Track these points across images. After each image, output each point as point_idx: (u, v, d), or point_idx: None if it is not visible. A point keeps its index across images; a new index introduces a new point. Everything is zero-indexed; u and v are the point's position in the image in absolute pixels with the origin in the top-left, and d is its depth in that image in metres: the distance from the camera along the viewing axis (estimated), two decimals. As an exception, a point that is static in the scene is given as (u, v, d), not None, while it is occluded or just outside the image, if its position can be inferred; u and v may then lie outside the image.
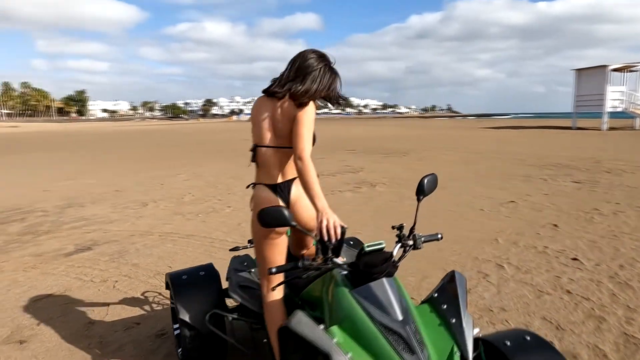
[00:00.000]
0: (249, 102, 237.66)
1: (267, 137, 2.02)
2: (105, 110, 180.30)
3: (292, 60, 2.01)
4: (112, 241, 5.29)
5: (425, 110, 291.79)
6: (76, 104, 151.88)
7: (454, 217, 5.97)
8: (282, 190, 2.08)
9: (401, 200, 7.16)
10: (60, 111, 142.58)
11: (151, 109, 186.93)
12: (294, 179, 2.09)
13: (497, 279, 3.79)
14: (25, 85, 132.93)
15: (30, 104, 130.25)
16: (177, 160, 14.63)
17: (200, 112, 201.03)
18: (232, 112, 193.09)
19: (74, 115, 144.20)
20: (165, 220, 6.26)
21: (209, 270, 2.66)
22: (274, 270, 1.73)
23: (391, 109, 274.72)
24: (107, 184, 9.80)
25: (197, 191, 8.55)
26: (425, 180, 1.93)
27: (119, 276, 4.14)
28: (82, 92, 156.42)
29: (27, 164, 14.57)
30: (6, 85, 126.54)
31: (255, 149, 2.07)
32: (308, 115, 1.94)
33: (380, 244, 1.75)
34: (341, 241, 1.77)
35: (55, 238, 5.51)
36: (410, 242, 1.89)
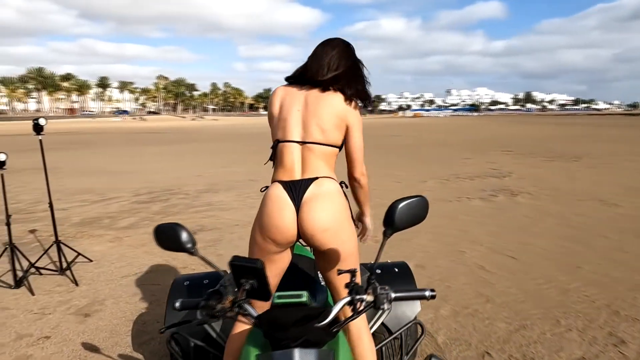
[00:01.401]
0: (417, 98, 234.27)
1: (297, 132, 1.66)
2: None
3: (333, 45, 1.72)
4: (216, 228, 5.59)
5: (633, 106, 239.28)
6: (264, 100, 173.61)
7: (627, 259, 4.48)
8: (297, 187, 1.64)
9: (540, 218, 5.79)
10: (251, 107, 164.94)
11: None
12: (316, 178, 1.64)
13: None
14: (226, 85, 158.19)
15: (229, 100, 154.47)
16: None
17: (369, 108, 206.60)
18: (400, 108, 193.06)
19: (261, 110, 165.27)
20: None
21: (214, 279, 2.42)
22: (177, 305, 1.36)
23: (585, 105, 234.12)
24: (248, 173, 10.65)
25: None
26: (399, 207, 1.27)
27: (199, 265, 4.29)
28: (269, 90, 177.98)
29: (198, 151, 17.06)
30: (213, 85, 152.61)
31: (276, 146, 1.70)
32: (360, 120, 1.72)
33: (299, 296, 1.20)
34: (262, 280, 1.30)
35: (180, 220, 6.11)
36: (368, 298, 1.25)
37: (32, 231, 5.69)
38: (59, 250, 4.09)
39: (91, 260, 4.43)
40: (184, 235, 1.30)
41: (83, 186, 9.06)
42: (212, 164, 12.79)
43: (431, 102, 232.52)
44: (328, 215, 1.55)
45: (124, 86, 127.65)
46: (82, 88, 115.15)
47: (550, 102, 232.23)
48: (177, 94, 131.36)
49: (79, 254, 4.31)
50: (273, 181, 1.69)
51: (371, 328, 1.94)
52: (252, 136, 27.94)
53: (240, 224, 5.75)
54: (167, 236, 1.32)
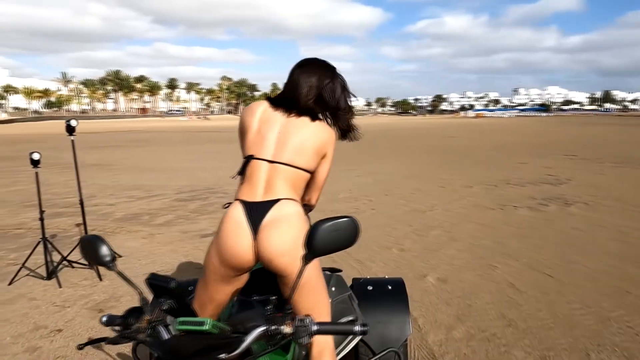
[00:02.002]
0: (481, 97, 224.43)
1: (270, 151, 1.57)
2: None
3: (312, 71, 1.65)
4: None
5: None
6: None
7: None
8: (258, 210, 1.55)
9: (593, 232, 5.21)
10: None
11: (383, 105, 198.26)
12: (278, 200, 1.55)
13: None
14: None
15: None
16: (368, 154, 14.85)
17: (429, 108, 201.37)
18: (462, 108, 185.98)
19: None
20: (302, 215, 6.31)
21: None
22: (103, 319, 1.30)
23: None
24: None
25: (358, 189, 8.38)
26: (321, 229, 1.11)
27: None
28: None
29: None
30: (274, 85, 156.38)
31: (248, 161, 1.61)
32: (334, 150, 1.72)
33: (202, 323, 1.09)
34: (181, 301, 1.21)
35: (210, 219, 6.24)
36: (286, 329, 1.09)
37: (78, 225, 6.04)
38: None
39: (120, 256, 4.61)
40: (103, 249, 1.24)
41: (134, 182, 9.57)
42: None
43: (496, 101, 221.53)
44: (286, 240, 1.46)
45: (190, 87, 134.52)
46: (153, 89, 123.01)
47: (633, 101, 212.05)
48: (239, 94, 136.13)
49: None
50: (236, 198, 1.61)
51: (340, 352, 1.79)
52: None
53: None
54: (89, 249, 1.26)
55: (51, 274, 4.01)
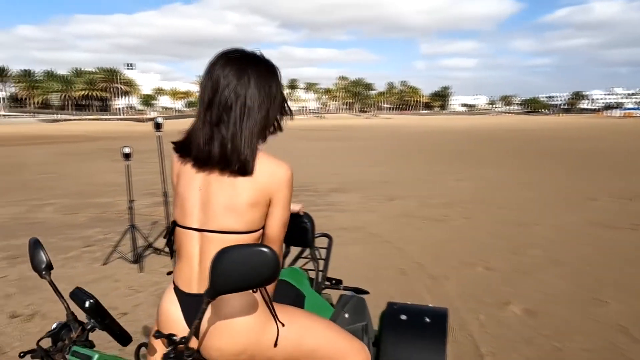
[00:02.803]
0: (633, 94, 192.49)
1: (195, 216, 1.17)
2: (464, 105, 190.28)
3: (236, 72, 1.13)
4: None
5: None
6: (440, 99, 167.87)
7: None
8: (193, 307, 1.16)
9: None
10: (427, 105, 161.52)
11: (509, 103, 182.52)
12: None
13: None
14: (403, 83, 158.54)
15: (404, 99, 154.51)
16: (478, 156, 13.66)
17: (565, 107, 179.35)
18: (607, 107, 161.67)
19: (436, 109, 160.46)
20: (384, 219, 5.96)
21: None
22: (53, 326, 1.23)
23: None
24: (386, 174, 10.31)
25: (455, 194, 7.67)
26: (224, 259, 0.86)
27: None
28: (446, 88, 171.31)
29: (351, 149, 17.36)
30: (390, 84, 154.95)
31: (173, 230, 1.24)
32: (290, 189, 1.20)
33: (89, 358, 0.93)
34: (96, 316, 1.07)
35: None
36: None
37: (177, 214, 6.56)
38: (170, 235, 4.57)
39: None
40: (39, 256, 1.15)
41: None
42: (356, 162, 12.86)
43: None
44: (235, 344, 1.14)
45: (309, 87, 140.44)
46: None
47: None
48: (355, 94, 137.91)
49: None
50: (173, 280, 1.26)
51: None
52: (413, 135, 27.25)
53: (348, 229, 5.52)
54: (29, 251, 1.20)
55: (137, 259, 4.36)
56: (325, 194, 7.93)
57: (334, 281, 1.96)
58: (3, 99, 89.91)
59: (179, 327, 1.17)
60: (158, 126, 4.36)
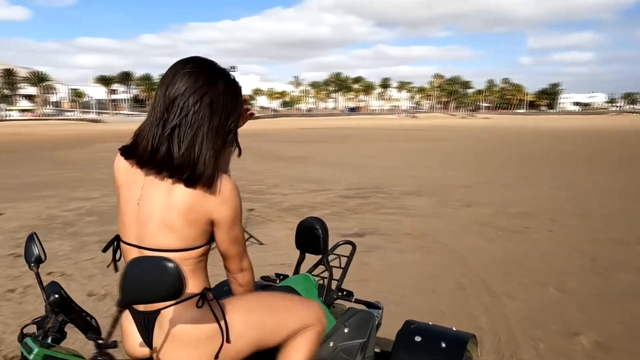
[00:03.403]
0: None
1: (133, 231, 1.15)
2: (576, 104, 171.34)
3: (177, 91, 1.09)
4: (386, 234, 5.33)
5: None
6: (548, 97, 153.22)
7: None
8: (146, 322, 1.18)
9: None
10: (532, 104, 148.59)
11: (633, 102, 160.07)
12: (158, 311, 1.14)
13: None
14: (505, 81, 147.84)
15: (505, 98, 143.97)
16: (579, 161, 12.20)
17: None
18: None
19: (543, 108, 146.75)
20: (454, 226, 5.60)
21: None
22: None
23: None
24: (468, 178, 9.68)
25: (542, 203, 6.94)
26: (129, 269, 0.86)
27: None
28: (555, 85, 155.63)
29: (436, 151, 16.60)
30: (490, 82, 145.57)
31: (118, 245, 1.24)
32: (235, 206, 1.16)
33: (30, 350, 0.97)
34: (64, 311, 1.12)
35: (359, 219, 6.16)
36: None
37: (250, 210, 6.85)
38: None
39: (262, 244, 4.99)
40: (30, 249, 1.25)
41: (314, 176, 10.32)
42: (438, 164, 12.29)
43: None
44: (188, 355, 1.14)
45: (402, 86, 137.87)
46: (367, 89, 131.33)
47: None
48: (451, 92, 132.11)
49: (251, 236, 4.94)
50: None
51: None
52: (511, 137, 25.24)
53: (414, 235, 5.29)
54: (26, 243, 1.30)
55: (203, 250, 4.64)
56: (398, 197, 7.70)
57: (345, 292, 1.88)
58: (127, 99, 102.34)
59: (135, 340, 1.21)
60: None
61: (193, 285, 1.13)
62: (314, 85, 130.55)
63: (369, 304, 1.86)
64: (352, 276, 3.86)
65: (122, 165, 1.16)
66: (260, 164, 12.78)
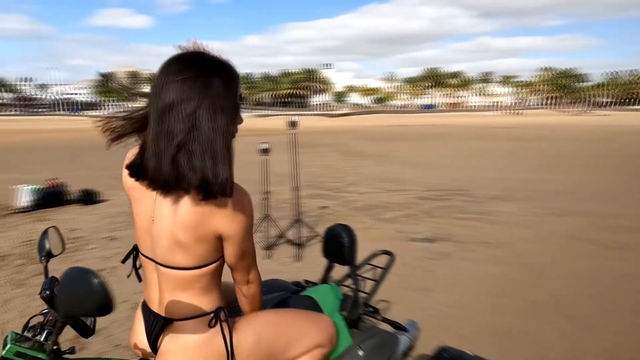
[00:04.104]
0: None
1: (148, 246, 1.17)
2: None
3: (175, 99, 1.02)
4: (460, 242, 4.97)
5: None
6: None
7: None
8: (156, 325, 1.21)
9: None
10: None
11: None
12: (171, 322, 1.17)
13: None
14: (633, 72, 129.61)
15: (631, 92, 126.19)
16: None
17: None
18: None
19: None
20: (539, 237, 5.02)
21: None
22: None
23: None
24: (566, 183, 8.64)
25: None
26: (65, 279, 0.88)
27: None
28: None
29: (532, 151, 15.06)
30: (612, 74, 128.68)
31: (137, 253, 1.26)
32: (242, 221, 1.10)
33: (4, 345, 1.01)
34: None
35: (433, 223, 5.84)
36: None
37: (323, 207, 6.88)
38: (299, 227, 4.84)
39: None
40: (42, 243, 1.32)
41: (394, 175, 10.04)
42: (535, 168, 11.14)
43: None
44: None
45: (505, 80, 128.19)
46: (466, 84, 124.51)
47: None
48: (562, 86, 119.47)
49: (317, 235, 4.95)
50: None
51: None
52: (633, 137, 21.99)
53: (491, 244, 4.86)
54: (42, 236, 1.38)
55: (269, 246, 4.76)
56: (482, 200, 7.15)
57: (371, 309, 1.74)
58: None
59: (141, 340, 1.25)
60: (293, 124, 4.64)
61: (207, 303, 1.17)
62: (409, 81, 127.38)
63: (396, 325, 1.71)
64: (413, 284, 3.70)
65: (130, 181, 1.14)
66: (342, 161, 12.80)
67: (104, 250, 4.77)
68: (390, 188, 8.43)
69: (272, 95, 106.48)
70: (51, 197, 7.02)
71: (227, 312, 1.29)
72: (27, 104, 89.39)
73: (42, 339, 1.11)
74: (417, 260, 4.39)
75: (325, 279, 1.90)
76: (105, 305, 0.84)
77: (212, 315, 1.17)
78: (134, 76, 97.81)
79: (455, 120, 52.54)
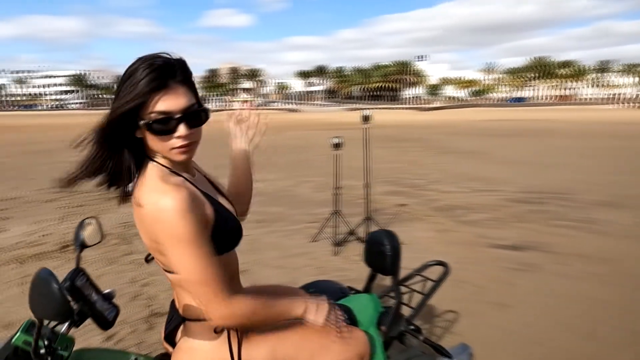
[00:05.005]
0: None
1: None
2: None
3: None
4: (542, 251, 4.40)
5: None
6: None
7: None
8: (172, 319, 1.26)
9: None
10: None
11: None
12: (184, 321, 1.18)
13: None
14: None
15: None
16: None
17: None
18: None
19: None
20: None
21: None
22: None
23: None
24: None
25: None
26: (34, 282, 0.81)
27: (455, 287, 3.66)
28: None
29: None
30: None
31: None
32: (176, 227, 0.97)
33: (12, 337, 1.00)
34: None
35: (522, 229, 5.26)
36: None
37: (401, 205, 6.59)
38: (368, 225, 4.66)
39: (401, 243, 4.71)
40: (77, 234, 1.32)
41: (484, 173, 9.29)
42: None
43: None
44: None
45: (629, 69, 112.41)
46: (578, 74, 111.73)
47: None
48: None
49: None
50: None
51: None
52: None
53: (591, 258, 4.21)
54: (79, 227, 1.38)
55: (339, 242, 4.66)
56: (585, 206, 6.27)
57: (413, 327, 1.53)
58: (323, 91, 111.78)
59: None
60: (366, 119, 4.46)
61: None
62: (511, 72, 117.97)
63: (439, 350, 1.48)
64: (489, 296, 3.33)
65: None
66: (429, 157, 12.23)
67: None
68: (477, 188, 7.82)
69: (362, 88, 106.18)
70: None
71: None
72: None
73: (62, 329, 1.12)
74: (498, 270, 3.97)
75: (367, 289, 1.72)
76: (62, 312, 0.79)
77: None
78: (234, 72, 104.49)
79: (562, 115, 47.37)
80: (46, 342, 0.95)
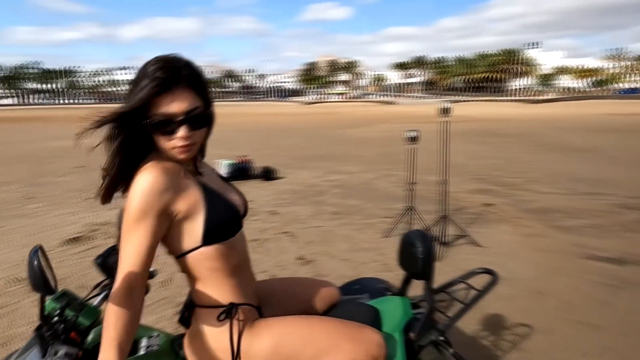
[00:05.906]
0: None
1: None
2: None
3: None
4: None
5: None
6: None
7: None
8: (187, 302, 1.35)
9: None
10: None
11: None
12: (194, 307, 1.24)
13: None
14: None
15: None
16: None
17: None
18: None
19: None
20: None
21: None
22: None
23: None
24: None
25: None
26: None
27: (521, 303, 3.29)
28: None
29: None
30: None
31: None
32: (127, 214, 1.03)
33: None
34: None
35: (626, 239, 4.57)
36: None
37: (487, 204, 6.15)
38: (444, 224, 4.43)
39: (479, 246, 4.41)
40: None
41: (594, 174, 8.23)
42: None
43: None
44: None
45: None
46: None
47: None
48: None
49: (465, 235, 4.46)
50: None
51: None
52: None
53: None
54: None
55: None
56: None
57: (442, 338, 1.41)
58: (421, 82, 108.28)
59: None
60: (446, 111, 4.23)
61: (219, 296, 1.17)
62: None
63: None
64: (577, 314, 3.05)
65: None
66: (531, 154, 11.18)
67: (264, 222, 5.31)
68: (582, 190, 6.96)
69: (465, 79, 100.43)
70: (240, 171, 8.20)
71: (260, 313, 1.24)
72: (248, 92, 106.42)
73: (95, 303, 1.25)
74: (592, 285, 3.52)
75: (402, 291, 1.64)
76: (41, 285, 0.88)
77: (222, 309, 1.15)
78: (332, 65, 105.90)
79: None
80: (71, 313, 1.08)
